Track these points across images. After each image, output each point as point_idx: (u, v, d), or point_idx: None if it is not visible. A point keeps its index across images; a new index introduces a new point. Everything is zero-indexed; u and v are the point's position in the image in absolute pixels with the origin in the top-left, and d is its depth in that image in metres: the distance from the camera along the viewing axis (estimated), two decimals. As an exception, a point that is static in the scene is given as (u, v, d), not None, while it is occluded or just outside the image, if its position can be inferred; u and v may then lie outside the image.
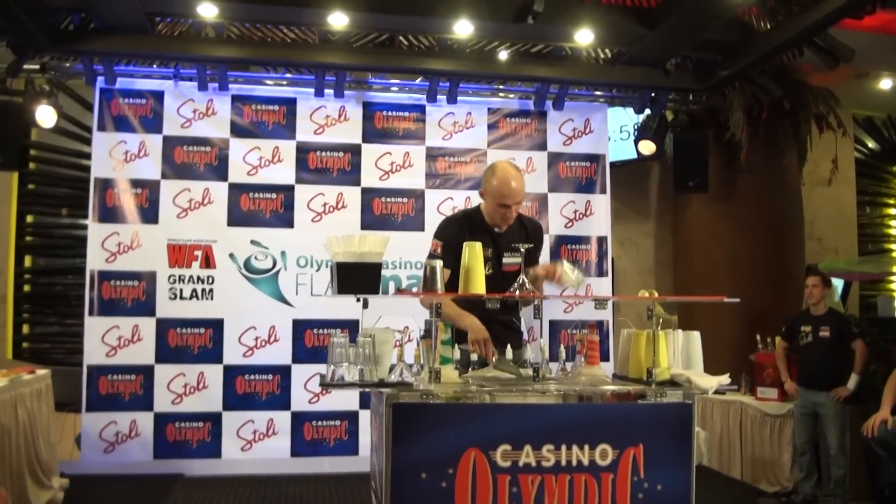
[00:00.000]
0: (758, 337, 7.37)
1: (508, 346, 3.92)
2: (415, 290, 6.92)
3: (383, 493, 3.37)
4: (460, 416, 3.38)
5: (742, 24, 6.78)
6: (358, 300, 3.60)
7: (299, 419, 7.11)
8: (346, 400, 6.92)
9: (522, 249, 3.90)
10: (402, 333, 3.73)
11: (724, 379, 3.84)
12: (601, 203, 7.72)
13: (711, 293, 7.61)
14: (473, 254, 3.65)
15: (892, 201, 10.47)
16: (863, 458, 5.84)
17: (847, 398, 6.28)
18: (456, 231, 4.15)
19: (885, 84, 8.77)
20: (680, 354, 3.96)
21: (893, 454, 4.94)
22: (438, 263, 3.61)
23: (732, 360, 7.64)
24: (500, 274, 4.25)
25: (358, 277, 3.47)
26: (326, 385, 3.46)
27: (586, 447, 3.48)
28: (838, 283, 8.65)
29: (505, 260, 4.30)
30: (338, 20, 6.22)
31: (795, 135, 8.48)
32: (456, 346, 3.90)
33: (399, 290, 3.63)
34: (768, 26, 6.67)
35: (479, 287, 3.63)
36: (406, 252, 7.18)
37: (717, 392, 4.66)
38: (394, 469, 3.33)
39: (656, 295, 3.92)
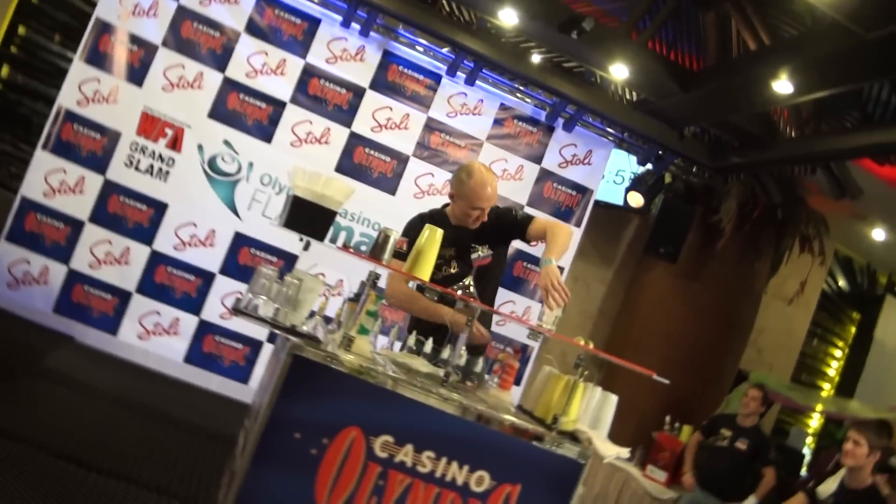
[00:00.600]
0: (667, 418, 7.35)
1: (480, 360, 3.78)
2: (362, 251, 6.74)
3: (252, 436, 3.20)
4: (356, 391, 3.21)
5: (770, 121, 6.70)
6: (301, 240, 3.42)
7: (204, 329, 6.89)
8: (256, 328, 6.69)
9: (481, 253, 3.75)
10: (333, 287, 3.54)
11: (624, 452, 3.72)
12: (574, 237, 7.57)
13: (643, 360, 7.51)
14: (431, 238, 3.47)
15: (839, 343, 10.49)
16: None
17: None
18: (420, 227, 3.96)
19: (876, 234, 8.76)
20: (591, 411, 3.84)
21: None
22: (393, 234, 3.43)
23: (636, 428, 7.63)
24: (470, 270, 4.12)
25: (310, 218, 3.28)
26: (237, 311, 3.28)
27: (466, 468, 3.33)
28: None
29: (474, 255, 4.17)
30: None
31: (776, 244, 8.45)
32: (414, 333, 3.76)
33: (345, 247, 3.44)
34: (793, 134, 6.58)
35: (425, 272, 3.45)
36: (369, 210, 6.99)
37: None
38: (272, 416, 3.15)
39: (591, 347, 3.80)
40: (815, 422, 9.96)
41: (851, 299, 10.36)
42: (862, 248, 9.59)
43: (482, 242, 4.20)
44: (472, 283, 3.81)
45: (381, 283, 3.41)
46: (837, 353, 10.48)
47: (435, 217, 4.17)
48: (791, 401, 8.10)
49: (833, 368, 10.44)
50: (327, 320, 3.99)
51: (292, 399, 3.16)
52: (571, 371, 3.72)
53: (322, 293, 3.63)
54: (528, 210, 7.30)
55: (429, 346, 3.73)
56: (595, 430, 3.79)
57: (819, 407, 8.34)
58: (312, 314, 3.50)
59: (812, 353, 10.27)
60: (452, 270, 4.16)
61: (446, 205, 4.33)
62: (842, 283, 10.32)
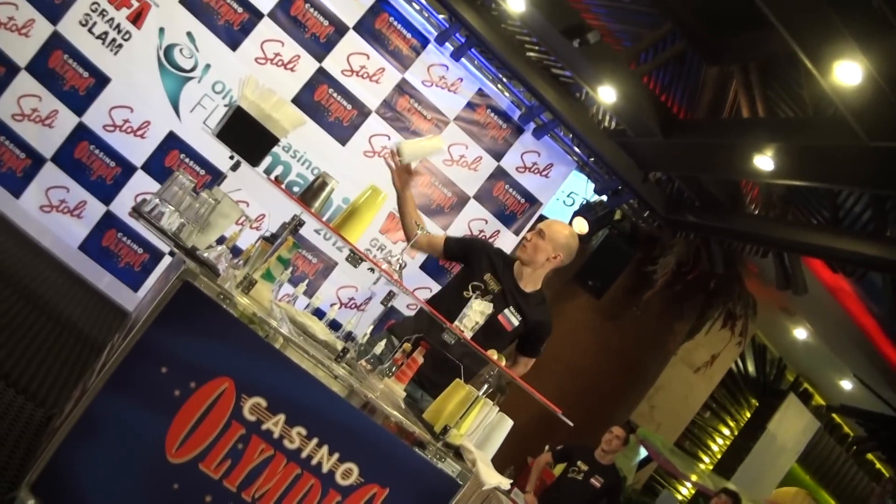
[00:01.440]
0: (546, 447, 7.15)
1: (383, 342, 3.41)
2: (294, 191, 6.28)
3: (115, 355, 2.77)
4: (240, 340, 2.80)
5: (737, 192, 6.47)
6: (231, 158, 2.99)
7: (109, 221, 6.32)
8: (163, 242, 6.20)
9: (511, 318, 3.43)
10: (251, 220, 3.13)
11: (505, 483, 3.41)
12: (508, 241, 7.20)
13: (540, 383, 7.27)
14: (372, 200, 3.08)
15: (731, 423, 10.47)
16: None
17: None
18: (483, 245, 3.79)
19: (798, 333, 8.72)
20: (482, 431, 3.50)
21: None
22: (333, 183, 3.02)
23: (512, 449, 7.35)
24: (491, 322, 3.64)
25: (249, 136, 2.85)
26: (139, 214, 2.86)
27: (336, 455, 2.96)
28: (643, 454, 8.53)
29: (506, 312, 3.84)
30: None
31: (701, 312, 8.33)
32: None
33: (277, 180, 3.02)
34: (757, 212, 6.37)
35: (355, 233, 3.05)
36: (313, 152, 6.51)
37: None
38: (141, 341, 2.73)
39: (503, 364, 3.46)
40: (685, 490, 9.90)
41: (755, 386, 10.35)
42: (781, 341, 9.58)
43: (518, 311, 3.90)
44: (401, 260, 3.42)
45: (305, 231, 3.00)
46: (726, 431, 10.46)
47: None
48: (671, 464, 8.03)
49: (718, 445, 10.44)
50: (235, 253, 3.57)
51: (170, 329, 2.74)
52: (476, 381, 3.40)
53: (239, 222, 3.21)
54: (472, 202, 6.98)
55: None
56: (482, 450, 3.46)
57: (695, 478, 8.27)
58: (221, 241, 3.08)
59: (702, 425, 10.25)
60: (483, 314, 3.56)
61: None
62: (750, 367, 10.29)
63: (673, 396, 9.39)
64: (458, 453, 3.26)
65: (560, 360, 8.09)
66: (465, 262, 3.99)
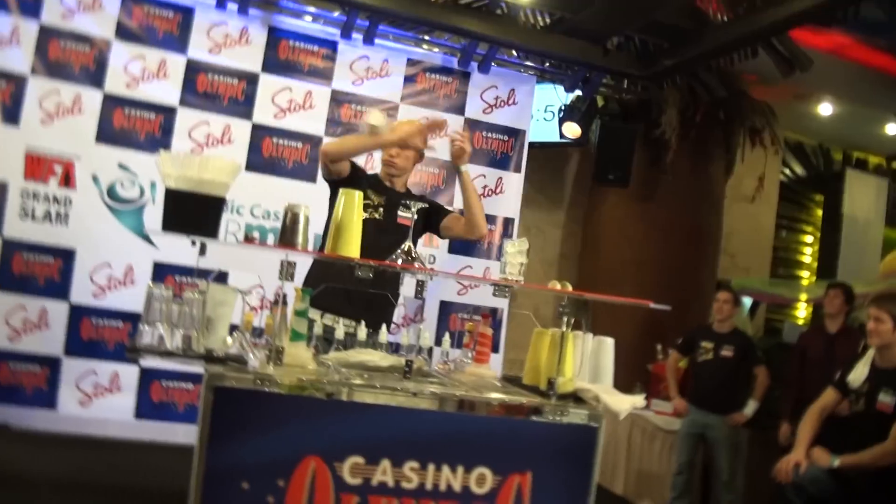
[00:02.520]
0: (658, 347, 6.94)
1: (384, 326, 3.07)
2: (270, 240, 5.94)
3: (191, 499, 2.47)
4: (303, 412, 2.50)
5: (697, 11, 6.05)
6: (194, 244, 2.67)
7: (148, 376, 6.01)
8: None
9: (413, 209, 3.10)
10: (246, 293, 2.81)
11: (640, 401, 3.07)
12: (514, 182, 6.88)
13: (616, 293, 6.96)
14: (349, 204, 2.75)
15: (809, 229, 10.08)
16: (756, 488, 5.60)
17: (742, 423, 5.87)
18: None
19: (823, 109, 8.26)
20: (588, 364, 3.17)
21: (805, 501, 4.27)
22: (303, 210, 2.70)
23: (628, 367, 6.99)
24: (392, 226, 3.74)
25: (194, 212, 2.53)
26: (134, 351, 2.54)
27: (460, 469, 2.65)
28: (748, 301, 8.16)
29: (400, 212, 3.73)
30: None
31: (727, 144, 7.92)
32: (319, 315, 3.03)
33: (247, 238, 2.71)
34: (726, 18, 5.96)
35: (351, 247, 2.72)
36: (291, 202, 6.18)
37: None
38: (208, 471, 2.44)
39: (570, 288, 3.11)
40: (802, 312, 9.51)
41: (811, 182, 9.93)
42: (811, 128, 9.13)
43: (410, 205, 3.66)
44: (411, 246, 3.10)
45: (300, 274, 2.67)
46: (809, 238, 10.07)
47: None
48: (778, 296, 7.65)
49: (808, 255, 10.03)
50: (259, 333, 3.25)
51: (228, 442, 2.44)
52: (554, 324, 3.07)
53: (245, 303, 2.90)
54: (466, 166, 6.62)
55: (384, 334, 3.03)
56: (597, 382, 3.13)
57: (804, 296, 7.86)
58: (233, 330, 2.76)
59: (785, 246, 9.85)
60: (375, 216, 3.84)
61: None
62: (798, 169, 9.85)
63: (745, 236, 9.01)
64: (577, 399, 2.93)
65: (623, 262, 7.77)
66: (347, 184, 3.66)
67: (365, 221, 2.98)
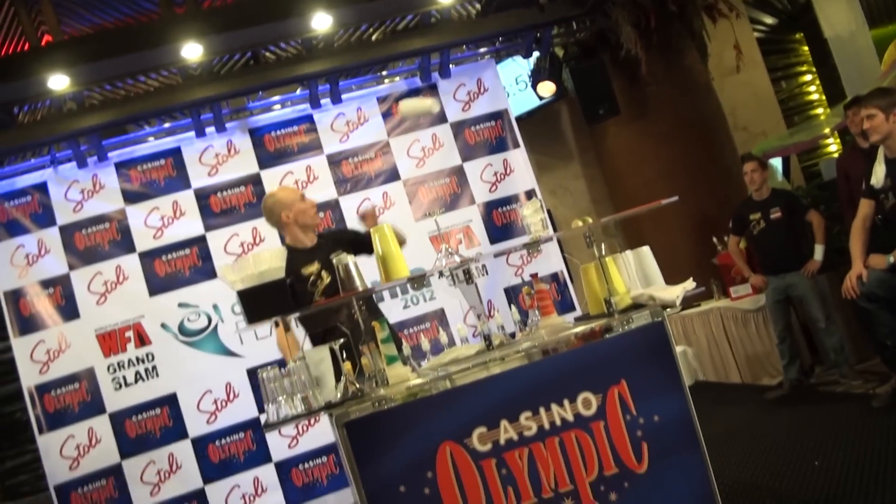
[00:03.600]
0: (714, 239, 7.23)
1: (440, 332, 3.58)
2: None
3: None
4: (421, 412, 3.00)
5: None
6: (277, 325, 3.20)
7: (284, 468, 6.61)
8: (324, 432, 6.41)
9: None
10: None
11: (689, 284, 3.51)
12: (518, 158, 7.33)
13: (655, 212, 7.35)
14: (383, 238, 3.27)
15: (804, 68, 10.31)
16: (853, 320, 5.80)
17: (818, 270, 6.13)
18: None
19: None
20: (635, 274, 3.62)
21: (882, 303, 4.64)
22: (350, 258, 3.22)
23: (695, 269, 7.35)
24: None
25: (264, 300, 3.06)
26: (269, 426, 3.06)
27: (566, 401, 3.12)
28: (777, 162, 8.44)
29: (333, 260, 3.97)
30: (191, 52, 5.80)
31: (690, 32, 8.21)
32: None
33: (317, 300, 3.27)
34: None
35: (400, 269, 3.24)
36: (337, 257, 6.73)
37: (690, 305, 4.36)
38: (368, 492, 2.94)
39: (590, 221, 3.58)
40: (833, 145, 9.75)
41: (786, 25, 10.16)
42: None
43: (338, 249, 3.97)
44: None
45: (382, 307, 3.19)
46: (808, 76, 10.30)
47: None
48: (800, 143, 7.91)
49: (814, 92, 10.25)
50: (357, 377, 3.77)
51: (373, 462, 2.95)
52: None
53: (341, 357, 3.41)
54: (467, 164, 7.12)
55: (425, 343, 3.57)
56: (650, 286, 3.58)
57: (826, 128, 8.11)
58: (339, 377, 3.28)
59: (788, 96, 10.12)
60: (327, 280, 4.23)
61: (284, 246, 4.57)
62: (768, 20, 10.11)
63: (748, 104, 9.31)
64: (637, 306, 3.38)
65: (649, 180, 8.08)
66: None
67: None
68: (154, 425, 6.50)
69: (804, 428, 5.11)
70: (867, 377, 5.84)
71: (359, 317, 3.08)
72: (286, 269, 3.37)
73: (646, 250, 3.72)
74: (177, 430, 6.52)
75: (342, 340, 3.25)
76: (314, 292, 4.20)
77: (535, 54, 7.64)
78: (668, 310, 3.35)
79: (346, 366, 3.52)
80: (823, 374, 6.40)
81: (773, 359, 6.53)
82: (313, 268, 4.31)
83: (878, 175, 4.78)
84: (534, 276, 3.67)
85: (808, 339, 6.68)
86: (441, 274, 3.30)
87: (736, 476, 3.86)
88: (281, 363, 3.16)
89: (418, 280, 3.21)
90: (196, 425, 6.54)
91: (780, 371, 6.40)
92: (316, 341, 3.86)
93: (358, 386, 3.25)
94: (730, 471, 3.35)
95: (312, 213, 4.59)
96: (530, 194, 7.26)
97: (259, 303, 3.06)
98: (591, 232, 3.37)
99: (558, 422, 3.09)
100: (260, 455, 6.59)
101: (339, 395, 3.13)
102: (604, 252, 3.48)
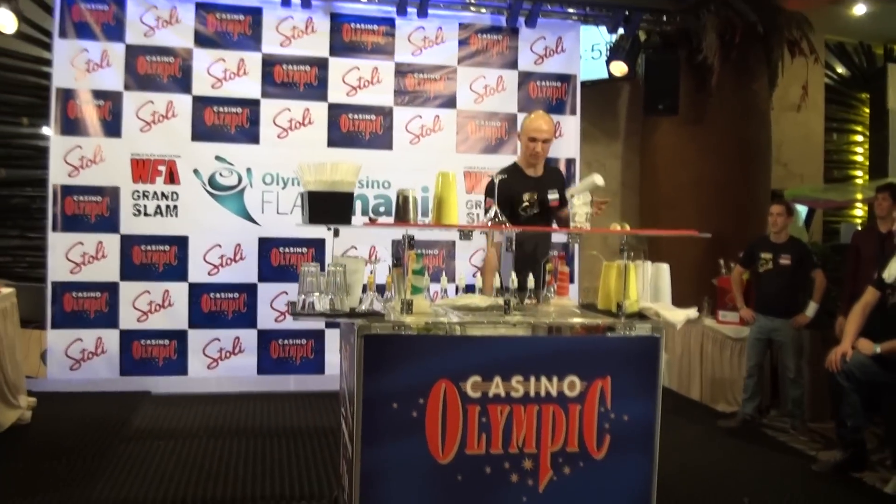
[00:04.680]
0: (721, 261, 7.48)
1: (531, 275, 3.92)
2: (382, 213, 6.93)
3: (355, 422, 3.38)
4: (431, 347, 3.38)
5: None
6: (329, 229, 3.56)
7: (265, 337, 7.12)
8: (314, 323, 6.90)
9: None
10: (370, 261, 3.70)
11: (693, 313, 3.89)
12: (571, 125, 7.67)
13: (676, 216, 7.64)
14: (446, 183, 3.61)
15: (858, 128, 10.52)
16: (820, 381, 6.11)
17: (806, 324, 6.47)
18: (501, 180, 4.17)
19: (858, 9, 8.73)
20: (649, 286, 3.99)
21: (855, 385, 5.07)
22: (411, 193, 3.57)
23: (695, 283, 7.77)
24: (548, 210, 4.95)
25: (329, 207, 3.42)
26: (297, 314, 3.44)
27: (555, 378, 3.51)
28: (802, 209, 8.73)
29: (550, 196, 4.92)
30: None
31: (767, 59, 8.42)
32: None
33: (371, 220, 3.64)
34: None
35: (451, 216, 3.60)
36: (373, 171, 7.10)
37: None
38: (365, 398, 3.34)
39: (628, 228, 3.93)
40: (859, 212, 10.03)
41: (855, 82, 10.34)
42: (850, 28, 9.54)
43: (552, 188, 4.96)
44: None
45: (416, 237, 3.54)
46: (859, 138, 10.50)
47: (508, 171, 4.62)
48: (831, 202, 8.16)
49: (860, 154, 10.47)
50: (380, 291, 4.15)
51: (377, 374, 3.34)
52: (617, 256, 3.86)
53: (366, 267, 3.78)
54: (522, 115, 7.40)
55: (531, 281, 3.95)
56: (658, 301, 3.95)
57: (859, 195, 8.38)
58: (364, 290, 3.66)
59: (836, 149, 10.34)
60: (535, 210, 4.86)
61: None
62: (841, 70, 10.29)
63: (795, 144, 9.53)
64: (641, 316, 3.76)
65: (681, 185, 8.38)
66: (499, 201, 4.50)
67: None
68: (159, 259, 6.94)
69: (744, 463, 5.54)
70: (814, 436, 6.26)
71: (405, 246, 3.43)
72: (506, 182, 4.04)
73: (665, 269, 4.07)
74: (178, 271, 6.98)
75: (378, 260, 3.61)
76: (521, 215, 4.80)
77: (620, 31, 7.85)
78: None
79: (371, 279, 3.91)
80: (776, 418, 6.78)
81: (736, 389, 6.93)
82: (531, 196, 4.86)
83: (892, 271, 5.14)
84: (561, 256, 4.04)
85: (773, 382, 7.07)
86: (486, 234, 3.66)
87: (670, 485, 4.29)
88: (320, 265, 3.52)
89: (466, 233, 3.57)
90: (197, 273, 7.00)
91: (738, 402, 6.80)
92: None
93: (380, 303, 3.65)
94: (666, 480, 3.76)
95: (530, 152, 4.92)
96: (570, 162, 7.60)
97: (323, 207, 3.42)
98: (627, 242, 3.72)
99: (542, 393, 3.49)
100: (247, 318, 7.07)
101: (362, 307, 3.52)
102: (630, 257, 3.84)
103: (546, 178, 5.03)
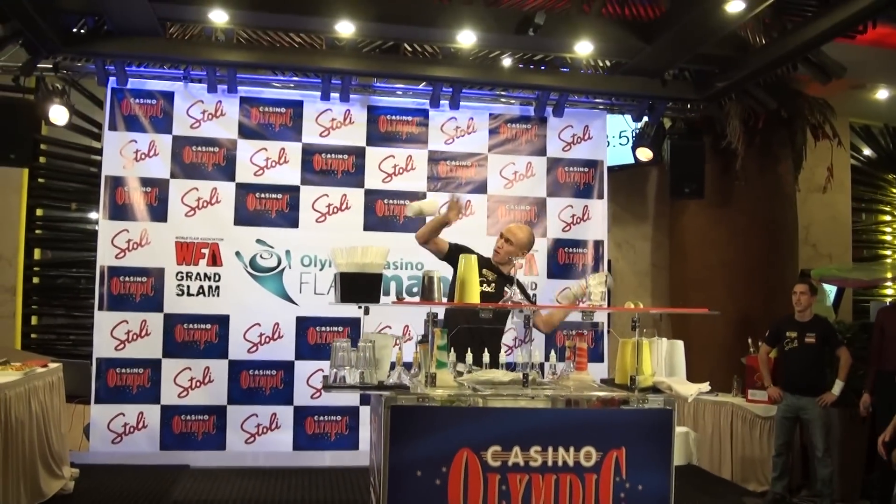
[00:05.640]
0: (749, 340, 7.56)
1: (486, 351, 4.19)
2: (416, 293, 7.23)
3: (381, 490, 3.64)
4: (454, 418, 3.65)
5: (738, 39, 7.01)
6: (360, 307, 3.87)
7: (301, 414, 7.39)
8: (346, 396, 7.15)
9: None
10: (402, 339, 4.00)
11: (704, 386, 4.11)
12: (598, 208, 7.98)
13: (706, 297, 7.87)
14: (469, 265, 3.93)
15: (887, 208, 10.68)
16: (850, 460, 6.35)
17: (832, 402, 6.54)
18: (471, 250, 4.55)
19: (881, 94, 9.01)
20: (664, 362, 4.24)
21: None
22: (436, 274, 3.88)
23: (724, 362, 7.95)
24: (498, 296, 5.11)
25: (360, 286, 3.75)
26: (329, 387, 3.74)
27: (572, 449, 3.76)
28: (831, 289, 8.85)
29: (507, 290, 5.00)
30: (345, 28, 6.44)
31: (791, 143, 8.71)
32: (452, 350, 4.16)
33: (399, 300, 3.97)
34: (763, 41, 6.90)
35: (473, 297, 3.90)
36: (408, 253, 7.42)
37: (707, 394, 4.87)
38: (391, 467, 3.61)
39: (641, 306, 4.19)
40: (889, 290, 10.11)
41: (882, 163, 10.55)
42: (873, 112, 9.82)
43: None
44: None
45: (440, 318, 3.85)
46: (887, 217, 10.66)
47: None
48: (859, 281, 8.26)
49: (889, 234, 10.61)
50: (408, 367, 4.44)
51: (403, 444, 3.61)
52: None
53: (395, 345, 4.07)
54: (550, 199, 7.79)
55: (469, 356, 4.20)
56: (673, 376, 4.19)
57: (888, 274, 8.49)
58: (393, 366, 3.95)
59: (864, 228, 10.52)
60: (489, 290, 5.11)
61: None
62: (867, 151, 10.52)
63: (823, 225, 9.78)
64: (655, 390, 3.99)
65: (710, 265, 8.63)
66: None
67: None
68: (201, 337, 7.28)
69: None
70: (843, 516, 6.33)
71: (430, 323, 3.73)
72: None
73: (679, 345, 4.32)
74: (219, 349, 7.32)
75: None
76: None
77: (645, 119, 8.20)
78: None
79: (399, 355, 4.21)
80: (806, 498, 6.82)
81: (767, 468, 6.96)
82: (487, 273, 5.22)
83: None
84: (579, 334, 4.31)
85: (805, 461, 7.12)
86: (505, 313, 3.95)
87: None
88: (353, 341, 3.82)
89: (487, 309, 3.87)
90: (237, 350, 7.33)
91: (768, 481, 6.84)
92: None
93: (407, 377, 3.93)
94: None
95: (497, 245, 5.46)
96: (598, 244, 7.88)
97: (354, 287, 3.74)
98: (639, 319, 3.98)
99: (560, 463, 3.73)
100: (284, 395, 7.36)
101: (390, 380, 3.80)
102: (644, 334, 4.09)
103: (508, 279, 5.23)
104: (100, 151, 7.53)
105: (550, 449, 3.73)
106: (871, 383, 6.51)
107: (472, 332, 4.48)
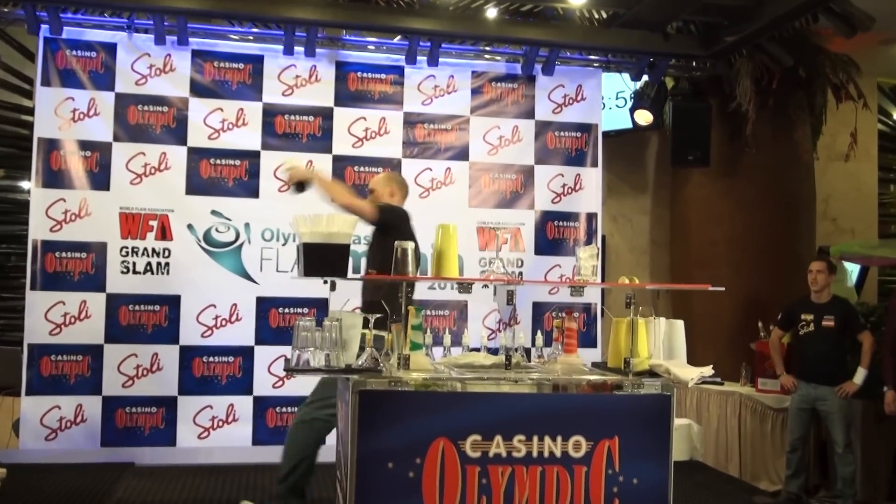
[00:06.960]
0: (759, 324, 7.60)
1: (466, 331, 4.25)
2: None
3: (348, 484, 3.68)
4: (429, 404, 3.70)
5: (751, -13, 7.03)
6: (325, 282, 3.90)
7: (262, 404, 7.41)
8: (312, 384, 7.14)
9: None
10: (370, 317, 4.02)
11: (707, 370, 4.17)
12: (592, 177, 8.02)
13: (711, 276, 7.89)
14: (446, 236, 3.96)
15: (920, 179, 10.69)
16: (874, 457, 6.32)
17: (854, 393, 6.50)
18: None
19: (911, 48, 8.99)
20: (662, 344, 4.29)
21: None
22: (410, 245, 3.91)
23: (731, 348, 8.00)
24: None
25: (325, 259, 3.77)
26: (291, 370, 3.77)
27: (559, 438, 3.81)
28: (854, 268, 8.86)
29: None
30: (309, -27, 6.45)
31: (810, 106, 8.68)
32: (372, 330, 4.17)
33: (368, 273, 4.00)
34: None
35: (452, 269, 3.93)
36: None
37: (712, 383, 4.89)
38: (359, 458, 3.65)
39: (637, 281, 4.24)
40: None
41: (914, 127, 10.52)
42: (903, 67, 9.79)
43: None
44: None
45: (420, 293, 3.89)
46: (919, 189, 10.66)
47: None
48: (884, 258, 8.26)
49: (919, 208, 10.60)
50: (379, 347, 4.48)
51: (372, 433, 3.65)
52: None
53: (369, 324, 4.10)
54: (539, 167, 7.84)
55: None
56: (672, 359, 4.25)
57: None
58: (362, 347, 3.99)
59: (892, 201, 10.50)
60: None
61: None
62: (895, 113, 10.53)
63: (845, 197, 9.80)
64: (652, 374, 4.05)
65: (715, 241, 8.67)
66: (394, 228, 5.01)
67: None
68: (148, 320, 7.29)
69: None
70: (868, 519, 6.34)
71: (404, 300, 3.77)
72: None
73: (679, 325, 4.37)
74: (169, 333, 7.32)
75: (378, 315, 3.94)
76: None
77: (645, 78, 8.23)
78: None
79: (368, 335, 4.25)
80: (825, 498, 6.84)
81: (780, 465, 7.01)
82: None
83: None
84: (568, 312, 4.34)
85: (823, 458, 7.15)
86: (486, 286, 3.99)
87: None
88: (318, 321, 3.85)
89: (465, 286, 3.91)
90: (190, 335, 7.33)
91: (781, 479, 6.88)
92: (364, 308, 4.60)
93: (377, 359, 3.97)
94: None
95: None
96: (591, 217, 7.92)
97: (319, 259, 3.77)
98: (632, 294, 4.03)
99: (546, 453, 3.79)
100: (242, 384, 7.38)
101: (359, 363, 3.84)
102: (640, 313, 4.15)
103: None
104: (31, 111, 7.48)
105: (536, 438, 3.78)
106: (892, 375, 6.31)
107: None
